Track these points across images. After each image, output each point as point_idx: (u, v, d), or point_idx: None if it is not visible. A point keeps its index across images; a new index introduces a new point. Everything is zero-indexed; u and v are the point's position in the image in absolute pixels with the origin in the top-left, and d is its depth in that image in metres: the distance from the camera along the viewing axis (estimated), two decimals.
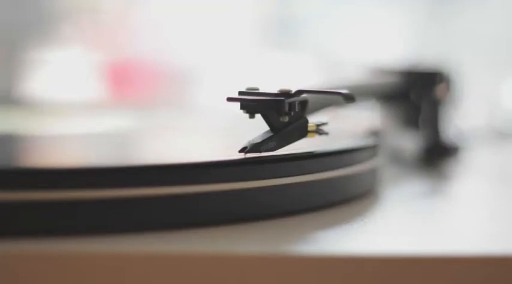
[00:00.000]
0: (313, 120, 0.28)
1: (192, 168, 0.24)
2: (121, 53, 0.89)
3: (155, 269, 0.22)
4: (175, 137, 0.38)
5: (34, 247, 0.22)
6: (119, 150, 0.35)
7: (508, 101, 0.67)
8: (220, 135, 0.40)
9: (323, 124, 0.28)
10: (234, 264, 0.22)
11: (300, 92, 0.26)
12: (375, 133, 0.34)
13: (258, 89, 0.27)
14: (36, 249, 0.22)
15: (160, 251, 0.22)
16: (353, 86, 0.34)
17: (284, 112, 0.26)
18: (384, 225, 0.27)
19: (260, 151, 0.26)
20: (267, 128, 0.26)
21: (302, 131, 0.27)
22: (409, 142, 0.42)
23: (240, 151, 0.26)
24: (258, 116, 0.26)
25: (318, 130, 0.28)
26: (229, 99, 0.26)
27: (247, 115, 0.26)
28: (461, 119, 0.47)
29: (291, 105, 0.26)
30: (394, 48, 0.83)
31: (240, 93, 0.26)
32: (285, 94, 0.26)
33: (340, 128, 0.32)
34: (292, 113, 0.26)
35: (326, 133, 0.28)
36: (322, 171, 0.27)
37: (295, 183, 0.26)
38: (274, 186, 0.26)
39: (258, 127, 0.27)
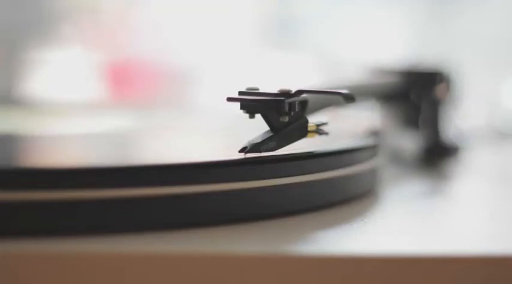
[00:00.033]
0: (313, 120, 0.27)
1: (192, 168, 0.24)
2: (121, 53, 0.89)
3: (155, 269, 0.22)
4: (175, 137, 0.38)
5: (34, 247, 0.22)
6: (119, 150, 0.35)
7: (508, 101, 0.67)
8: (220, 135, 0.40)
9: (323, 124, 0.28)
10: (234, 264, 0.22)
11: (300, 92, 0.26)
12: (374, 133, 0.34)
13: (258, 89, 0.27)
14: (36, 249, 0.22)
15: (160, 251, 0.22)
16: (353, 86, 0.34)
17: (284, 112, 0.26)
18: (384, 225, 0.27)
19: (260, 151, 0.26)
20: (267, 128, 0.26)
21: (302, 131, 0.27)
22: (409, 142, 0.42)
23: (240, 151, 0.26)
24: (258, 116, 0.26)
25: (318, 130, 0.28)
26: (229, 99, 0.26)
27: (247, 115, 0.26)
28: (461, 119, 0.47)
29: (291, 105, 0.26)
30: (394, 48, 0.83)
31: (240, 93, 0.26)
32: (285, 94, 0.26)
33: (340, 128, 0.32)
34: (292, 113, 0.26)
35: (326, 133, 0.28)
36: (322, 171, 0.27)
37: (295, 183, 0.26)
38: (274, 186, 0.26)
39: (258, 127, 0.27)
